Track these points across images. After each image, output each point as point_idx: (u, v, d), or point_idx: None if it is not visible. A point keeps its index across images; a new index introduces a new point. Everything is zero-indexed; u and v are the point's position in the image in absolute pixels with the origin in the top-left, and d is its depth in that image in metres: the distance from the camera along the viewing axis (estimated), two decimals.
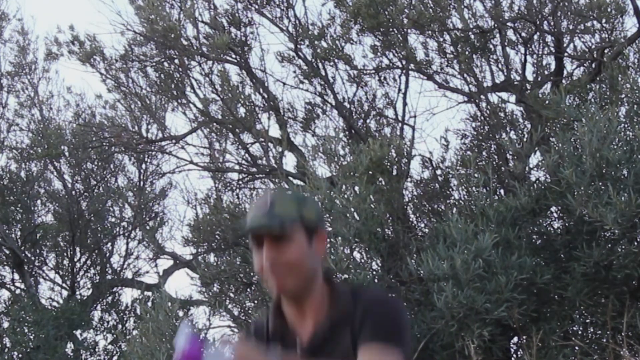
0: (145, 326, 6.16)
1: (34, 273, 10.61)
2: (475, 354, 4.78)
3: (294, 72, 7.84)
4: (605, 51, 6.94)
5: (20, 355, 9.28)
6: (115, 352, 10.00)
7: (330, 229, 5.58)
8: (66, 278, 10.61)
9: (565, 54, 7.19)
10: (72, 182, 10.52)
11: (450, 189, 6.72)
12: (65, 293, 10.59)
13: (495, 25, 7.08)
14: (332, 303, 2.02)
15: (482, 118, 7.23)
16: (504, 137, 6.76)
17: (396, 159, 6.18)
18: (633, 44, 7.11)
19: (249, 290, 6.85)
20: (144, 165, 10.49)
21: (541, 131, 5.96)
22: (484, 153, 7.15)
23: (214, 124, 8.29)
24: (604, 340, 5.35)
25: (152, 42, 7.84)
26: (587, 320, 5.72)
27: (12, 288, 10.54)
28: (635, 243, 5.24)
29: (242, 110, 7.88)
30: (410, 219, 6.68)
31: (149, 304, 7.58)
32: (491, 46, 7.23)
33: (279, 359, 1.75)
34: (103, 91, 11.50)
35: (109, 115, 9.33)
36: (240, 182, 8.66)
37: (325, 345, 1.95)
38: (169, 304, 6.25)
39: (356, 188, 5.71)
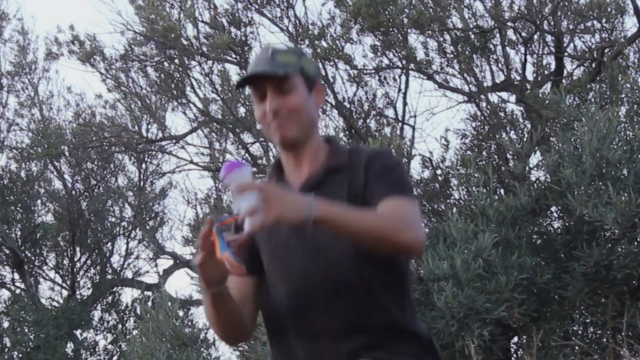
0: (145, 326, 6.16)
1: (34, 273, 10.61)
2: (475, 354, 4.78)
3: None
4: (605, 51, 6.94)
5: (20, 355, 9.29)
6: (115, 352, 10.01)
7: None
8: (66, 278, 10.62)
9: (566, 54, 7.19)
10: (72, 182, 10.53)
11: (450, 189, 6.72)
12: (65, 293, 10.60)
13: (495, 25, 7.08)
14: (329, 155, 2.09)
15: (482, 118, 7.23)
16: (504, 136, 6.76)
17: None
18: (633, 43, 7.11)
19: None
20: (144, 165, 10.49)
21: (541, 131, 5.96)
22: (484, 153, 7.15)
23: (214, 123, 8.29)
24: (604, 340, 5.35)
25: (152, 42, 7.84)
26: (587, 320, 5.72)
27: (12, 288, 10.55)
28: (636, 243, 5.23)
29: (242, 110, 7.88)
30: None
31: (149, 303, 7.59)
32: (491, 46, 7.23)
33: (310, 197, 1.79)
34: (103, 91, 11.51)
35: (109, 115, 9.34)
36: None
37: (317, 190, 1.97)
38: (169, 303, 6.25)
39: None
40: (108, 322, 10.38)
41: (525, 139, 6.50)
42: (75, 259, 10.59)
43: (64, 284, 10.64)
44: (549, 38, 7.33)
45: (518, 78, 7.23)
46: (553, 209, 5.81)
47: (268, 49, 2.07)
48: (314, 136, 2.09)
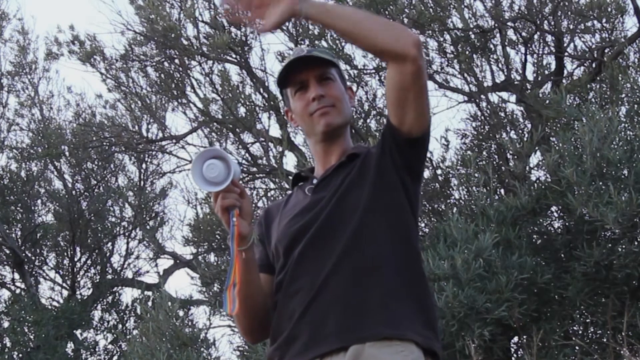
0: (145, 326, 6.17)
1: (34, 273, 10.60)
2: (475, 354, 4.78)
3: None
4: (606, 51, 6.94)
5: (20, 355, 9.28)
6: (115, 352, 10.00)
7: None
8: (66, 278, 10.61)
9: (566, 54, 7.19)
10: (72, 182, 10.52)
11: (451, 189, 6.72)
12: (65, 293, 10.59)
13: (496, 24, 7.08)
14: (353, 148, 2.16)
15: (483, 118, 7.23)
16: (504, 136, 6.76)
17: None
18: (633, 43, 7.11)
19: None
20: (144, 165, 10.48)
21: (541, 131, 5.97)
22: (484, 153, 7.15)
23: (214, 123, 8.28)
24: (605, 339, 5.35)
25: (152, 42, 7.84)
26: (588, 320, 5.73)
27: (12, 288, 10.54)
28: (636, 242, 5.24)
29: (242, 110, 7.88)
30: None
31: (149, 303, 7.59)
32: (491, 46, 7.22)
33: None
34: (103, 91, 11.49)
35: (109, 115, 9.33)
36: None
37: (334, 174, 2.06)
38: (169, 303, 6.25)
39: None
40: (108, 322, 10.36)
41: (525, 139, 6.50)
42: (75, 259, 10.58)
43: (64, 284, 10.63)
44: (549, 38, 7.33)
45: (518, 78, 7.23)
46: (553, 208, 5.81)
47: (303, 47, 2.17)
48: (347, 132, 2.15)
